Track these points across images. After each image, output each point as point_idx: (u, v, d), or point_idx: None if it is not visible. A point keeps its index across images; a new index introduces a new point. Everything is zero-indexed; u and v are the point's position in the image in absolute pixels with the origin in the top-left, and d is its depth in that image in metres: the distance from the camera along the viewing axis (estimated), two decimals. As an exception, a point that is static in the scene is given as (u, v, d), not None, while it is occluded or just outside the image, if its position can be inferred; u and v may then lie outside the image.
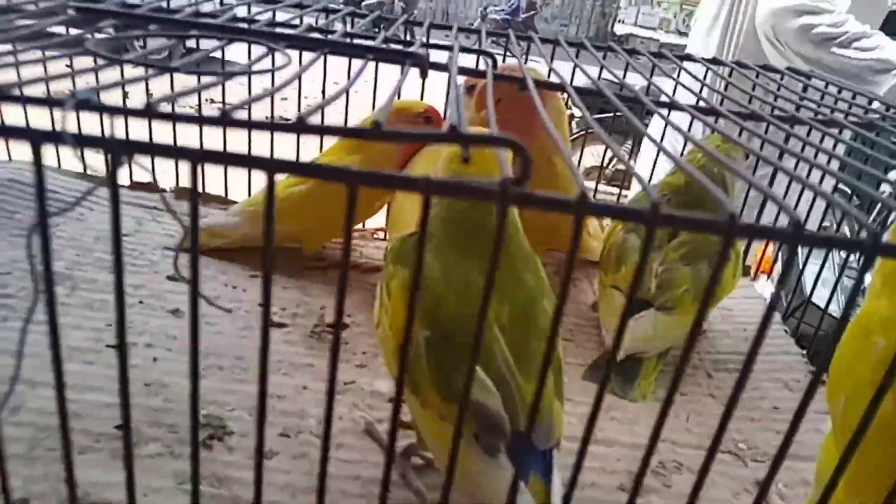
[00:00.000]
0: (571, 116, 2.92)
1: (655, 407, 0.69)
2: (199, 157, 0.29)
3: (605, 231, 0.89)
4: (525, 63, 0.77)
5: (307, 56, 0.48)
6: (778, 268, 1.76)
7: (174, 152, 0.30)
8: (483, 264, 0.41)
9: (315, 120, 0.35)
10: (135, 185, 0.99)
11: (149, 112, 0.29)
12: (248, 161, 0.29)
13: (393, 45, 0.55)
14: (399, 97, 0.72)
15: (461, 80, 0.83)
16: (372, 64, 0.56)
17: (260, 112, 0.62)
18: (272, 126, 0.29)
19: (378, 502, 0.36)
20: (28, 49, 0.39)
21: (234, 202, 0.96)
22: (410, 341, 0.32)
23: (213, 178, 1.02)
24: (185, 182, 1.01)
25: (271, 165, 0.29)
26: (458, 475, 0.43)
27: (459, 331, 0.45)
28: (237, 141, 0.78)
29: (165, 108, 0.31)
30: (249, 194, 0.95)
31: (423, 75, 0.61)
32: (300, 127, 0.28)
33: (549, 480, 0.44)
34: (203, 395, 0.62)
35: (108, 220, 0.98)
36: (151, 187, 0.99)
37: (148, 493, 0.50)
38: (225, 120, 0.29)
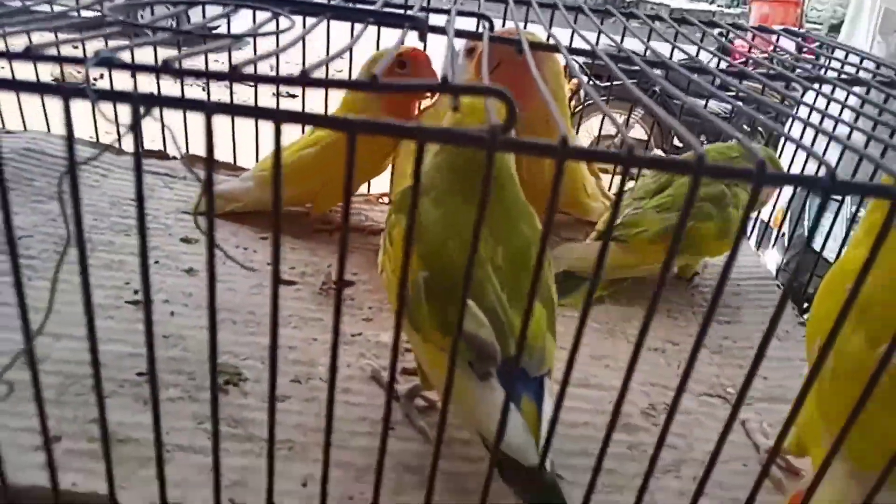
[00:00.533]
0: (579, 86, 2.92)
1: (646, 356, 0.73)
2: (212, 108, 0.32)
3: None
4: (524, 27, 0.79)
5: (311, 21, 0.51)
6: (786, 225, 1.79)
7: (190, 105, 0.33)
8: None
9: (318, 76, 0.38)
10: (146, 153, 1.02)
11: (164, 68, 0.32)
12: (256, 112, 0.32)
13: (392, 10, 0.57)
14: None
15: (461, 43, 0.85)
16: (374, 28, 0.58)
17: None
18: (277, 79, 0.32)
19: (385, 436, 0.40)
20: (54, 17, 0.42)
21: (244, 169, 0.99)
22: (406, 281, 0.35)
23: (221, 147, 1.06)
24: (195, 147, 1.04)
25: (278, 116, 0.31)
26: (456, 399, 0.47)
27: (456, 270, 0.48)
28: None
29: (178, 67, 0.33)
30: (257, 161, 0.98)
31: (423, 38, 0.63)
32: (304, 80, 0.31)
33: (540, 403, 0.47)
34: (218, 345, 0.66)
35: (122, 187, 1.02)
36: (162, 155, 1.02)
37: (170, 432, 0.54)
38: (233, 75, 0.31)
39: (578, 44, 0.68)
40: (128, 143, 1.06)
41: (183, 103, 0.32)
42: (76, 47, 0.66)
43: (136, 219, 0.35)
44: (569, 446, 0.58)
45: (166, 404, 0.57)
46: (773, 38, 0.85)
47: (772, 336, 0.37)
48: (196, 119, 0.62)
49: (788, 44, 0.85)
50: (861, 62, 0.73)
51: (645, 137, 3.13)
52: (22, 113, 1.02)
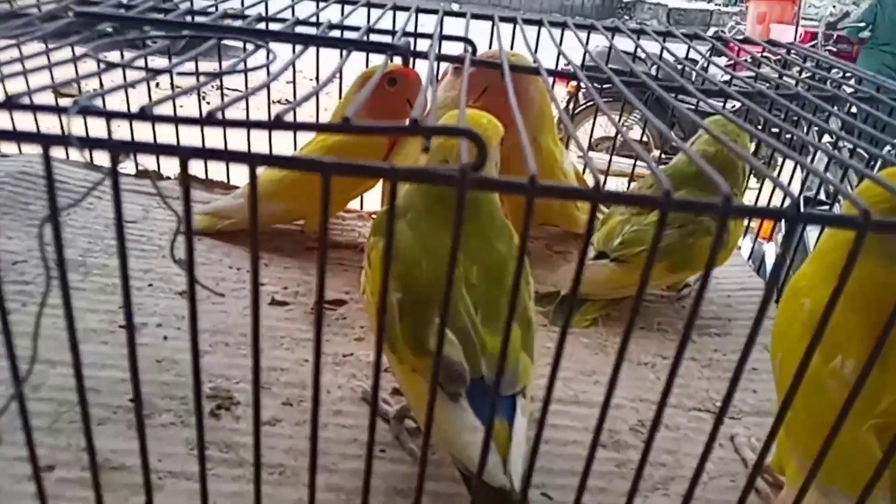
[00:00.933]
0: (578, 88, 2.91)
1: (636, 371, 0.73)
2: (188, 153, 0.33)
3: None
4: (511, 48, 0.80)
5: (298, 47, 0.52)
6: (779, 238, 1.79)
7: (166, 150, 0.33)
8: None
9: (302, 113, 0.39)
10: (140, 174, 1.03)
11: (142, 115, 0.33)
12: (230, 156, 0.33)
13: (376, 37, 0.58)
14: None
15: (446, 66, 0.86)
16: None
17: (255, 104, 0.66)
18: (248, 124, 0.33)
19: (370, 459, 0.40)
20: (35, 55, 0.43)
21: (237, 187, 1.00)
22: (385, 304, 0.36)
23: (216, 166, 1.06)
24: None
25: (252, 159, 0.32)
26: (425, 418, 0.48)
27: (428, 292, 0.50)
28: (237, 134, 0.81)
29: (158, 110, 0.34)
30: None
31: (406, 64, 0.64)
32: (274, 124, 0.31)
33: (511, 422, 0.48)
34: (210, 369, 0.67)
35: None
36: (157, 176, 1.03)
37: (162, 459, 0.55)
38: (204, 120, 0.32)
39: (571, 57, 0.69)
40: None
41: (158, 148, 0.33)
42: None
43: (127, 243, 0.36)
44: (558, 465, 0.58)
45: (158, 430, 0.58)
46: (758, 50, 0.86)
47: (750, 351, 0.37)
48: (191, 133, 0.62)
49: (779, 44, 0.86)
50: (843, 76, 0.74)
51: (646, 139, 3.14)
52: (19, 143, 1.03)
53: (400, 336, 0.50)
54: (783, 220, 0.34)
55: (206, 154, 0.33)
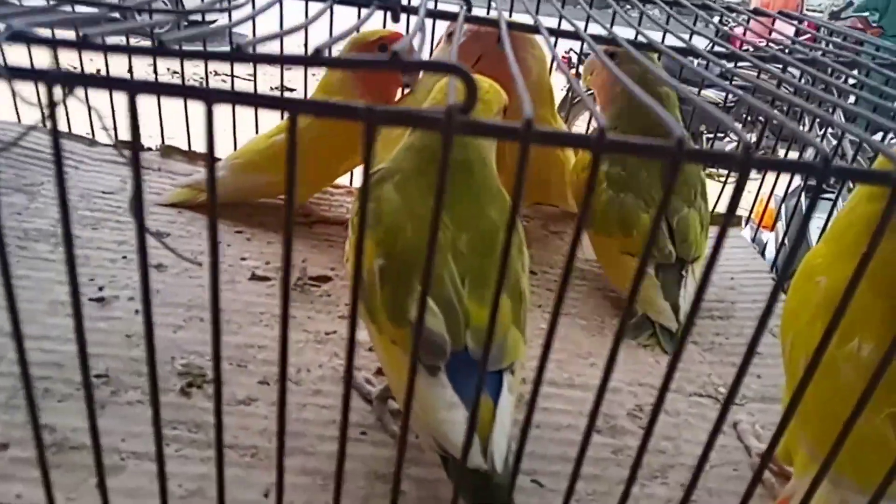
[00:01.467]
0: (578, 74, 2.86)
1: (634, 353, 0.70)
2: (137, 87, 0.29)
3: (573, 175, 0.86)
4: (510, 16, 0.76)
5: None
6: (780, 226, 1.76)
7: (112, 83, 0.29)
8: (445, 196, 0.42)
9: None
10: (122, 144, 0.99)
11: (89, 44, 0.29)
12: (183, 91, 0.28)
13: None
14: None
15: (428, 24, 0.81)
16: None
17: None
18: (206, 55, 0.29)
19: (345, 443, 0.36)
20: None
21: (219, 160, 0.96)
22: (360, 270, 0.32)
23: (199, 137, 1.02)
24: (170, 140, 1.00)
25: (208, 95, 0.28)
26: (403, 395, 0.44)
27: (412, 259, 0.46)
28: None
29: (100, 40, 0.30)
30: (235, 150, 0.94)
31: (395, 19, 0.60)
32: (236, 56, 0.27)
33: (496, 399, 0.44)
34: (184, 345, 0.63)
35: (94, 179, 0.98)
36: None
37: (127, 439, 0.51)
38: (158, 49, 0.28)
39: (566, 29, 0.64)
40: (78, 126, 1.03)
41: (102, 81, 0.29)
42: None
43: (102, 214, 0.32)
44: (551, 451, 0.55)
45: (124, 408, 0.54)
46: (771, 21, 0.81)
47: (762, 334, 0.34)
48: (173, 106, 0.58)
49: (787, 28, 0.82)
50: (862, 45, 0.70)
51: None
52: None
53: (380, 304, 0.47)
54: (810, 175, 0.30)
55: (157, 89, 0.29)
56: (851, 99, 0.77)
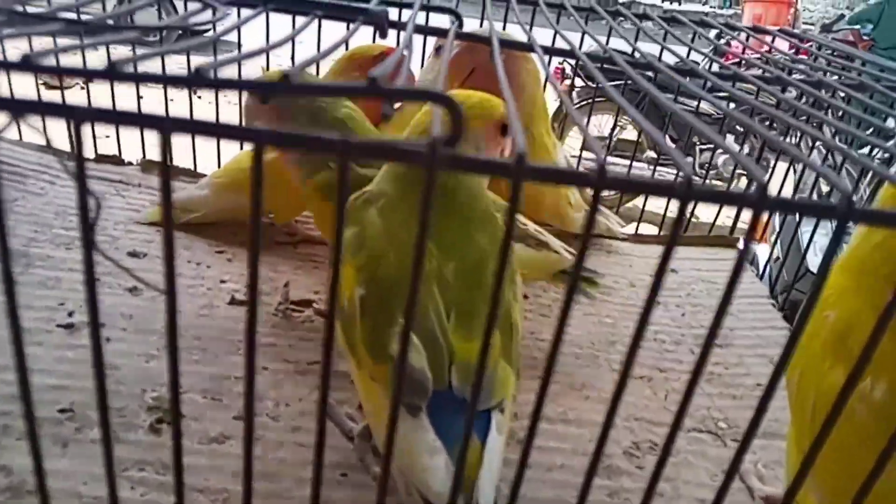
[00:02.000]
0: (572, 87, 2.84)
1: (630, 385, 0.66)
2: (83, 115, 0.26)
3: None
4: (503, 29, 0.73)
5: (249, 13, 0.45)
6: (772, 232, 1.74)
7: (61, 111, 0.26)
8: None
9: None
10: (100, 158, 0.95)
11: (26, 65, 0.26)
12: (139, 119, 0.25)
13: (346, 2, 0.51)
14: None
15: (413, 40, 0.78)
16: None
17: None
18: (165, 80, 0.26)
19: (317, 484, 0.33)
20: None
21: (204, 175, 0.92)
22: (335, 300, 0.29)
23: (181, 151, 0.99)
24: (152, 155, 0.97)
25: (166, 125, 0.25)
26: (383, 437, 0.41)
27: (394, 288, 0.44)
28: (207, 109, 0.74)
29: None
30: (219, 167, 0.91)
31: (382, 35, 0.57)
32: (194, 81, 0.24)
33: (484, 440, 0.41)
34: (155, 376, 0.59)
35: (70, 195, 0.94)
36: (117, 160, 0.95)
37: (89, 482, 0.48)
38: (112, 73, 0.25)
39: (560, 45, 0.62)
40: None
41: (52, 108, 0.26)
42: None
43: (76, 231, 0.29)
44: (543, 494, 0.52)
45: (88, 447, 0.50)
46: (769, 38, 0.79)
47: (779, 378, 0.31)
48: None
49: (784, 45, 0.80)
50: (863, 65, 0.68)
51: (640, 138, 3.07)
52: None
53: (360, 337, 0.44)
54: (832, 217, 0.27)
55: (108, 117, 0.26)
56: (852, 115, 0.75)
